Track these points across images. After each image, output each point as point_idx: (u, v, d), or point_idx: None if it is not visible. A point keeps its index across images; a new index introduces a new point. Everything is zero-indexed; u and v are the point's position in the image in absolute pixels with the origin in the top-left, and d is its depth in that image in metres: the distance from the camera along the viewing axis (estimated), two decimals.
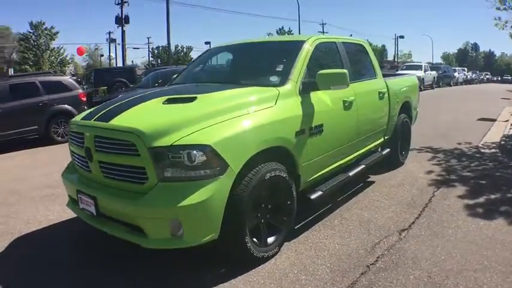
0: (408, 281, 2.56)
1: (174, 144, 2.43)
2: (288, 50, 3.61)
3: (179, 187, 2.43)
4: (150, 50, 51.54)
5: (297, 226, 3.51)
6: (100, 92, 14.46)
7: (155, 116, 2.71)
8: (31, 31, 31.88)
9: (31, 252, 3.21)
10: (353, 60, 4.39)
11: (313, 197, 3.36)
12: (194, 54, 51.33)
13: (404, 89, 5.58)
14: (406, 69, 24.37)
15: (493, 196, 4.25)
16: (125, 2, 31.35)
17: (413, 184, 4.78)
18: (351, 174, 3.99)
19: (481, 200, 4.16)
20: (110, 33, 33.33)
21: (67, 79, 8.87)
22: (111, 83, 14.91)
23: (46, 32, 31.80)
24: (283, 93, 3.12)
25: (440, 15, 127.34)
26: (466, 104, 14.50)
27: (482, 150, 6.53)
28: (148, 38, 65.91)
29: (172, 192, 2.42)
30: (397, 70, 25.73)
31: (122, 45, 32.42)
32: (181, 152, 2.42)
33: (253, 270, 2.76)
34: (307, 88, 3.30)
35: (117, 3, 31.26)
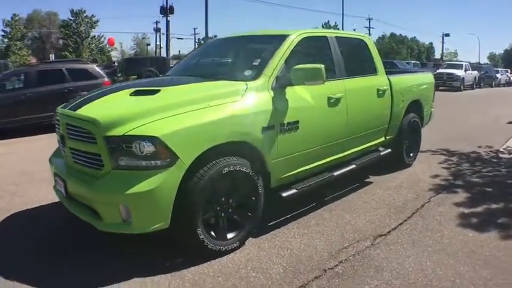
0: None
1: (126, 134, 2.43)
2: (270, 45, 3.42)
3: (130, 175, 2.44)
4: (196, 40, 52.79)
5: (271, 223, 3.43)
6: (130, 80, 15.08)
7: (116, 106, 2.72)
8: (72, 18, 33.67)
9: (18, 228, 3.41)
10: (348, 56, 4.10)
11: (284, 194, 3.20)
12: None
13: (413, 87, 5.17)
14: (446, 67, 22.96)
15: (494, 206, 3.80)
16: None
17: (412, 187, 4.45)
18: (335, 173, 3.77)
19: (480, 209, 3.75)
20: (156, 22, 34.17)
21: (93, 67, 9.27)
22: (142, 72, 15.45)
23: (86, 20, 33.40)
24: (252, 88, 2.98)
25: (488, 14, 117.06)
26: (500, 107, 13.22)
27: (501, 155, 5.91)
28: (194, 28, 67.36)
29: (123, 179, 2.44)
30: (438, 69, 24.35)
31: (166, 35, 33.29)
32: (132, 142, 2.42)
33: (208, 262, 2.69)
34: (282, 83, 3.13)
35: None
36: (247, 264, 2.69)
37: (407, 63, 27.18)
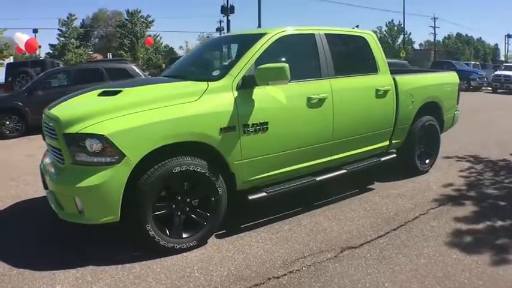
0: None
1: (79, 132, 2.47)
2: (246, 44, 3.22)
3: (83, 170, 2.48)
4: None
5: (244, 225, 3.33)
6: None
7: (79, 106, 2.78)
8: (128, 18, 35.71)
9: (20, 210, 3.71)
10: (340, 54, 3.75)
11: (251, 197, 3.01)
12: None
13: (428, 87, 4.54)
14: (504, 69, 20.49)
15: (499, 223, 3.18)
16: None
17: (414, 197, 3.96)
18: (318, 178, 3.49)
19: (481, 226, 3.18)
20: (220, 22, 34.79)
21: (131, 67, 9.78)
22: None
23: (142, 19, 35.24)
24: (213, 88, 2.85)
25: None
26: None
27: None
28: (258, 27, 67.84)
29: (76, 174, 2.50)
30: (496, 70, 22.00)
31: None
32: (85, 139, 2.46)
33: (161, 258, 2.66)
34: (250, 83, 2.94)
35: None
36: (195, 264, 2.59)
37: (467, 64, 24.84)
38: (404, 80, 4.25)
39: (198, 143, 2.73)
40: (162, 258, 2.67)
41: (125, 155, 2.45)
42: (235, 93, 2.91)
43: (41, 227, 3.26)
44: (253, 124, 2.95)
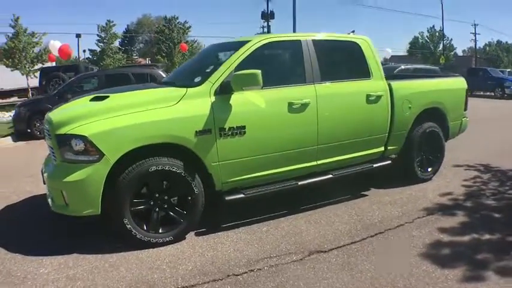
0: None
1: (66, 133, 2.71)
2: (230, 51, 3.31)
3: (69, 167, 2.71)
4: None
5: (225, 225, 3.42)
6: None
7: (71, 110, 3.02)
8: (165, 25, 36.90)
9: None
10: (329, 60, 3.68)
11: (228, 198, 3.09)
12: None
13: (429, 93, 4.32)
14: None
15: (486, 237, 2.93)
16: None
17: (405, 205, 3.78)
18: (300, 183, 3.48)
19: (464, 238, 2.95)
20: (263, 27, 34.91)
21: (157, 72, 10.21)
22: None
23: (179, 25, 36.30)
24: (191, 94, 2.96)
25: None
26: None
27: None
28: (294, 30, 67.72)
29: (64, 170, 2.72)
30: None
31: None
32: (71, 139, 2.68)
33: (139, 250, 2.80)
34: (227, 89, 3.02)
35: None
36: (166, 258, 2.71)
37: (502, 72, 23.17)
38: (400, 85, 4.11)
39: (174, 145, 2.89)
40: (139, 251, 2.83)
41: (104, 154, 2.65)
42: (213, 99, 3.01)
43: (40, 221, 3.49)
44: (230, 128, 3.04)
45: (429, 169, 4.50)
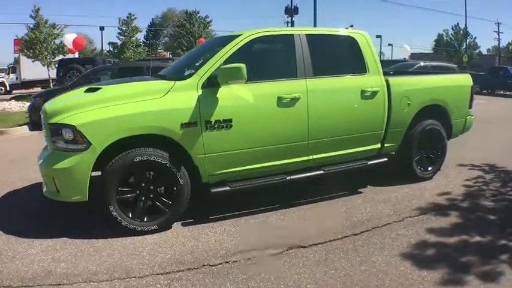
0: None
1: (57, 122, 2.79)
2: (221, 46, 3.27)
3: (59, 155, 2.80)
4: None
5: (213, 216, 3.44)
6: None
7: (64, 101, 3.11)
8: (186, 19, 37.05)
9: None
10: (322, 55, 3.57)
11: (213, 190, 3.10)
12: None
13: (430, 89, 4.14)
14: None
15: (475, 239, 2.79)
16: None
17: (399, 203, 3.65)
18: (289, 177, 3.44)
19: (452, 239, 2.80)
20: (287, 23, 34.48)
21: (170, 64, 10.43)
22: None
23: (200, 20, 36.31)
24: (178, 87, 2.98)
25: None
26: None
27: None
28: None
29: (55, 157, 2.82)
30: None
31: None
32: (61, 129, 2.77)
33: (125, 237, 2.87)
34: (215, 83, 3.01)
35: None
36: (148, 246, 2.76)
37: None
38: (398, 81, 3.97)
39: (160, 136, 2.93)
40: (124, 238, 2.89)
41: (91, 144, 2.72)
42: (200, 92, 3.02)
43: (38, 206, 3.58)
44: (216, 121, 3.04)
45: (429, 168, 4.35)
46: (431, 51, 43.58)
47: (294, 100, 3.34)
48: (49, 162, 2.86)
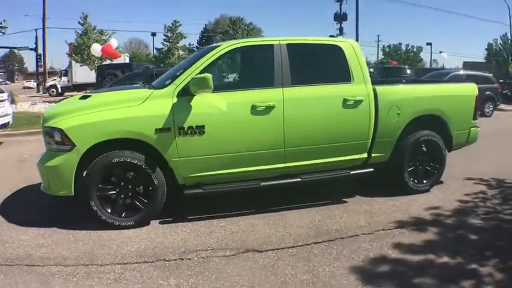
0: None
1: (49, 126, 3.17)
2: (201, 56, 3.45)
3: (51, 154, 3.18)
4: (381, 48, 49.68)
5: (191, 217, 3.59)
6: None
7: (60, 106, 3.50)
8: (230, 26, 37.81)
9: None
10: (303, 64, 3.59)
11: (186, 192, 3.29)
12: (423, 55, 48.81)
13: (422, 99, 3.91)
14: None
15: (443, 260, 2.61)
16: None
17: (379, 216, 3.47)
18: (263, 183, 3.48)
19: (416, 258, 2.63)
20: (340, 29, 33.67)
21: None
22: None
23: (243, 27, 36.93)
24: (155, 95, 3.21)
25: None
26: None
27: None
28: (378, 35, 65.30)
29: (47, 157, 3.21)
30: None
31: None
32: (53, 131, 3.14)
33: (104, 230, 3.13)
34: (188, 91, 3.18)
35: (336, 0, 32.38)
36: (120, 239, 3.00)
37: None
38: (387, 90, 3.83)
39: (136, 140, 3.18)
40: (104, 231, 3.16)
41: (75, 145, 3.07)
42: (175, 100, 3.22)
43: (43, 199, 3.75)
44: (189, 127, 3.21)
45: (425, 181, 4.11)
46: (484, 61, 40.07)
47: (269, 108, 3.40)
48: (42, 161, 3.26)
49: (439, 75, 11.77)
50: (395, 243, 2.93)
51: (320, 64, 3.80)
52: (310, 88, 3.59)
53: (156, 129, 3.14)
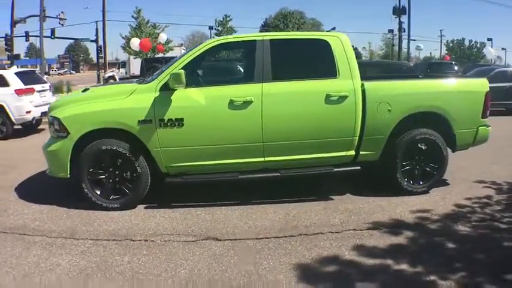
0: None
1: (52, 115, 3.59)
2: (187, 52, 3.64)
3: (52, 140, 3.61)
4: (445, 43, 46.80)
5: (174, 203, 3.75)
6: None
7: (65, 98, 3.98)
8: (280, 20, 37.13)
9: None
10: (286, 59, 3.56)
11: (168, 180, 3.52)
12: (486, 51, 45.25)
13: (417, 95, 3.62)
14: None
15: (397, 267, 2.45)
16: None
17: (357, 215, 3.31)
18: (240, 176, 3.55)
19: (369, 262, 2.51)
20: (400, 23, 32.08)
21: None
22: None
23: (294, 21, 36.27)
24: (140, 89, 3.45)
25: None
26: None
27: None
28: (440, 30, 60.83)
29: (49, 142, 3.63)
30: None
31: (399, 35, 32.14)
32: (54, 120, 3.55)
33: (94, 211, 3.47)
34: (169, 86, 3.34)
35: None
36: (103, 219, 3.32)
37: None
38: (376, 86, 3.61)
39: (123, 130, 3.46)
40: (94, 211, 3.51)
41: (70, 133, 3.45)
42: (157, 94, 3.43)
43: (59, 182, 3.97)
44: (168, 119, 3.40)
45: (422, 182, 3.82)
46: None
47: (247, 103, 3.45)
48: (45, 146, 3.71)
49: (484, 72, 10.55)
50: (357, 245, 2.82)
51: (304, 59, 3.72)
52: (290, 83, 3.56)
53: (139, 120, 3.39)
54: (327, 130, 3.59)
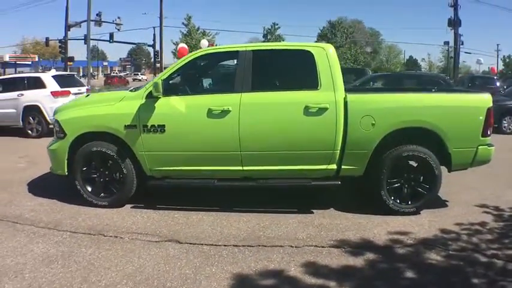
0: None
1: (55, 118, 4.06)
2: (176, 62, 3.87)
3: (54, 141, 4.05)
4: (501, 58, 45.48)
5: (159, 205, 3.98)
6: None
7: (69, 102, 4.42)
8: (328, 28, 36.28)
9: None
10: (267, 70, 3.63)
11: (150, 183, 3.79)
12: None
13: (404, 109, 3.42)
14: None
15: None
16: (458, 5, 28.71)
17: (328, 231, 3.23)
18: (216, 183, 3.69)
19: (309, 281, 2.47)
20: (455, 34, 30.57)
21: None
22: None
23: (343, 29, 35.16)
24: (128, 97, 3.77)
25: None
26: None
27: None
28: (497, 44, 56.53)
29: (52, 142, 4.09)
30: None
31: (454, 48, 30.41)
32: (56, 122, 4.03)
33: (85, 206, 3.82)
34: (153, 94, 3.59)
35: (450, 5, 29.30)
36: (88, 214, 3.66)
37: None
38: (359, 98, 3.49)
39: (111, 134, 3.79)
40: (85, 207, 3.89)
41: (66, 134, 3.88)
42: (143, 101, 3.71)
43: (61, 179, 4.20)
44: (151, 125, 3.66)
45: (411, 201, 3.58)
46: None
47: (224, 112, 3.58)
48: (48, 145, 4.20)
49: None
50: (309, 262, 2.78)
51: (286, 70, 3.76)
52: (269, 94, 3.61)
53: (125, 125, 3.71)
54: (306, 142, 3.57)
